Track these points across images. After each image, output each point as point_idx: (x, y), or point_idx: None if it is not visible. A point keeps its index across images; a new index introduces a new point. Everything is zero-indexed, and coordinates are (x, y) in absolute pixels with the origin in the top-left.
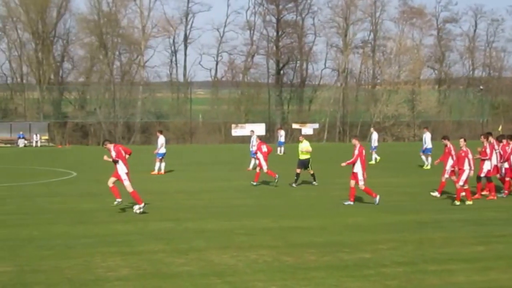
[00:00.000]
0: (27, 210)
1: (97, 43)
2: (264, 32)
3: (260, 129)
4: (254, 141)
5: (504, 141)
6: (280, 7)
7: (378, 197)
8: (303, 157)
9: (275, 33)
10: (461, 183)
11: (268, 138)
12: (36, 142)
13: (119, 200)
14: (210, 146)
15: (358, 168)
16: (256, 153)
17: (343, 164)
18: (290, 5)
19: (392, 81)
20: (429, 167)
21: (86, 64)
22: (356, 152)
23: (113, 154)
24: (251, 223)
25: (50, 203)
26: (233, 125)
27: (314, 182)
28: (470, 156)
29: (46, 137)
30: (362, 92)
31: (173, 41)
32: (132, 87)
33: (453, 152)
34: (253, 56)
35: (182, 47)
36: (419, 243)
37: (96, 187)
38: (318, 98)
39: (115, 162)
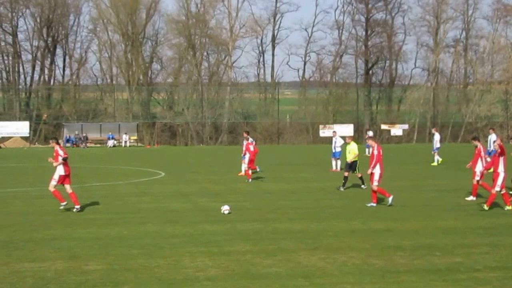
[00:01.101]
0: (117, 209)
1: (186, 44)
2: (353, 31)
3: (348, 130)
4: (337, 142)
5: None
6: (370, 6)
7: (391, 197)
8: (350, 159)
9: (364, 33)
10: (497, 188)
11: (357, 138)
12: (125, 142)
13: (64, 203)
14: (298, 147)
15: (376, 169)
16: (245, 154)
17: (369, 171)
18: (379, 3)
19: (485, 81)
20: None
21: (175, 65)
22: (376, 152)
23: (61, 153)
24: (340, 225)
25: (140, 202)
26: (321, 126)
27: (363, 186)
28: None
29: (135, 137)
30: (454, 92)
31: (261, 41)
32: (220, 88)
33: (482, 154)
34: (341, 56)
35: (270, 47)
36: None
37: (184, 187)
38: (408, 98)
39: (64, 160)
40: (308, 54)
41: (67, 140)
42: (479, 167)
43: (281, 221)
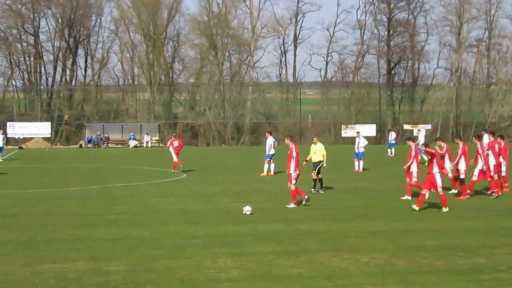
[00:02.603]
0: (139, 210)
1: (207, 44)
2: (375, 31)
3: (370, 130)
4: (361, 143)
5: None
6: (392, 5)
7: (306, 197)
8: (317, 159)
9: (386, 32)
10: (439, 189)
11: (379, 139)
12: (147, 142)
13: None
14: None
15: (414, 167)
16: (168, 147)
17: (405, 167)
18: (401, 3)
19: (508, 81)
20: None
21: (196, 65)
22: (413, 153)
23: None
24: (362, 225)
25: (161, 203)
26: (343, 126)
27: (320, 190)
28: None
29: (157, 138)
30: (476, 92)
31: (283, 41)
32: (242, 88)
33: (480, 151)
34: (363, 55)
35: (291, 47)
36: None
37: (206, 187)
38: (431, 98)
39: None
40: (330, 54)
41: (89, 141)
42: (414, 167)
43: (303, 221)
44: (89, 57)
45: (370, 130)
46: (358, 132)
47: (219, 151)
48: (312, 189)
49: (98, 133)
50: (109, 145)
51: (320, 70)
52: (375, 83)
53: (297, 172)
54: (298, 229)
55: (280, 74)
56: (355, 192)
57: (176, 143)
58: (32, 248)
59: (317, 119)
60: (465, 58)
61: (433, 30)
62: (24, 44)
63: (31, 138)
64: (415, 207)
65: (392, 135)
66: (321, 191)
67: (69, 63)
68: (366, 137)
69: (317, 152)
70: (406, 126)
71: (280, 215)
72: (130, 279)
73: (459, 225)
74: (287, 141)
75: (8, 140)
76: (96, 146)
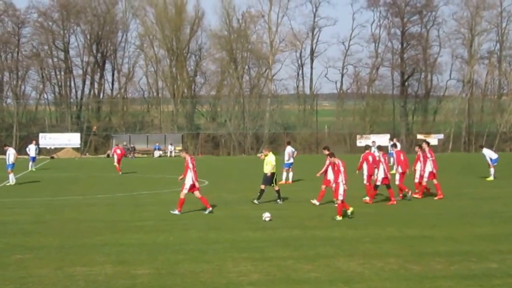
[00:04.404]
0: (164, 216)
1: (228, 58)
2: (389, 44)
3: (384, 140)
4: (376, 152)
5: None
6: (405, 19)
7: (209, 209)
8: (268, 171)
9: (400, 45)
10: (340, 197)
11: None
12: (171, 152)
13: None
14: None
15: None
16: (112, 155)
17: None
18: (415, 17)
19: None
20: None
21: (217, 78)
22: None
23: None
24: (376, 232)
25: (185, 210)
26: (358, 136)
27: (279, 201)
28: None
29: (180, 148)
30: (488, 102)
31: (300, 55)
32: (261, 100)
33: (428, 156)
34: (378, 68)
35: (308, 60)
36: None
37: (227, 195)
38: (443, 109)
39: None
40: (345, 67)
41: None
42: (330, 175)
43: (320, 228)
44: (116, 71)
45: (384, 140)
46: (373, 142)
47: (239, 161)
48: (278, 200)
49: (124, 143)
50: (135, 155)
51: (336, 82)
52: (389, 94)
53: (193, 182)
54: (315, 235)
55: (297, 86)
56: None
57: (118, 151)
58: (63, 253)
59: (333, 129)
60: (477, 70)
61: (446, 42)
62: (55, 60)
63: (62, 148)
64: (338, 217)
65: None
66: (279, 202)
67: (97, 77)
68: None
69: (268, 163)
70: (419, 136)
71: (298, 221)
72: (155, 282)
73: (472, 231)
74: (183, 153)
75: (40, 151)
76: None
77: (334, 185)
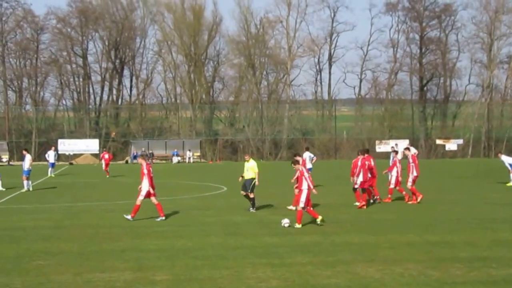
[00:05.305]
0: (182, 222)
1: (246, 63)
2: (408, 49)
3: (403, 145)
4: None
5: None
6: (424, 24)
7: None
8: (249, 177)
9: (418, 50)
10: (301, 204)
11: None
12: (189, 158)
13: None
14: None
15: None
16: (100, 160)
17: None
18: (433, 22)
19: None
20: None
21: (235, 84)
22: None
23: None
24: (396, 237)
25: (204, 216)
26: (377, 141)
27: (251, 209)
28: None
29: (198, 154)
30: (508, 107)
31: (318, 60)
32: (279, 105)
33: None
34: (396, 73)
35: (326, 65)
36: None
37: (245, 200)
38: (462, 114)
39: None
40: (363, 72)
41: (134, 157)
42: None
43: (339, 233)
44: (134, 77)
45: (402, 145)
46: (393, 147)
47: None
48: (250, 208)
49: (143, 149)
50: (154, 161)
51: (354, 88)
52: (407, 99)
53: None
54: (334, 241)
55: (315, 92)
56: (388, 205)
57: (106, 156)
58: (82, 258)
59: (352, 134)
60: (496, 74)
61: (465, 47)
62: (74, 66)
63: (81, 154)
64: (297, 225)
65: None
66: (252, 210)
67: (115, 83)
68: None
69: (249, 169)
70: (438, 141)
71: (317, 227)
72: (174, 287)
73: (492, 237)
74: (139, 160)
75: (59, 156)
76: None
77: (297, 191)
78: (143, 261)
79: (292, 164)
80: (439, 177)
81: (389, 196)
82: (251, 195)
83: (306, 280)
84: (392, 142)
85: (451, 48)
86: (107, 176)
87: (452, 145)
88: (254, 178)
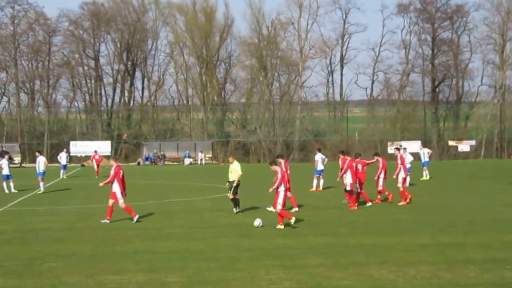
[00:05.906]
0: (194, 224)
1: (257, 65)
2: (420, 50)
3: (415, 146)
4: (407, 159)
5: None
6: (436, 25)
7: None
8: (233, 178)
9: (430, 51)
10: (279, 206)
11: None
12: (201, 160)
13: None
14: None
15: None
16: (91, 160)
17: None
18: (445, 23)
19: None
20: None
21: (247, 86)
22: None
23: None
24: (409, 239)
25: (216, 217)
26: (389, 143)
27: (234, 209)
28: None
29: (210, 155)
30: None
31: (330, 61)
32: (291, 107)
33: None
34: (408, 74)
35: (338, 67)
36: None
37: (258, 202)
38: (475, 115)
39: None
40: (375, 73)
41: (146, 158)
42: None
43: (352, 235)
44: (146, 79)
45: (415, 146)
46: (404, 149)
47: (269, 168)
48: (234, 209)
49: (155, 151)
50: (165, 162)
51: (366, 89)
52: (420, 100)
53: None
54: (347, 242)
55: (327, 93)
56: (400, 206)
57: (97, 157)
58: (94, 260)
59: (364, 136)
60: (509, 75)
61: (477, 48)
62: (86, 68)
63: None
64: (280, 226)
65: (425, 152)
66: (234, 211)
67: (127, 85)
68: (411, 153)
69: (233, 171)
70: (451, 142)
71: (329, 228)
72: None
73: (505, 238)
74: (111, 161)
75: (71, 158)
76: (153, 163)
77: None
78: (155, 263)
79: (270, 165)
80: (452, 178)
81: (404, 198)
82: (231, 196)
83: (319, 282)
84: (404, 144)
85: (463, 49)
86: (96, 177)
87: (464, 146)
88: (238, 180)
